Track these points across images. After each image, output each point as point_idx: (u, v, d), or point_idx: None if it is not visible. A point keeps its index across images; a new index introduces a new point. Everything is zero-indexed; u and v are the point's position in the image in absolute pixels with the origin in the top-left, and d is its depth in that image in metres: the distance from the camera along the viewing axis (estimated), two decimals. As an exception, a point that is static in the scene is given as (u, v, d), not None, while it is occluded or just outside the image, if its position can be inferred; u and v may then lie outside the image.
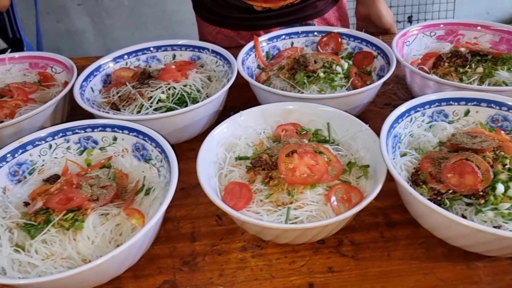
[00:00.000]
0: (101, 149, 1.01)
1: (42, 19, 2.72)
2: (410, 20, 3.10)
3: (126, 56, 1.27)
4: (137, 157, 0.99)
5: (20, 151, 0.95)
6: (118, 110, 1.13)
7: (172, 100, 1.11)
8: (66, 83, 1.22)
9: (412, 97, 1.25)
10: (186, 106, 1.12)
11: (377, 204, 0.97)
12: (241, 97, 1.30)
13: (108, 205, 0.88)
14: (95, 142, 1.00)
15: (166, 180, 0.89)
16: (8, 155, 0.93)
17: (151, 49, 1.30)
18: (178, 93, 1.12)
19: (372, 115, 1.24)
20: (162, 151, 0.92)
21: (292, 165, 0.87)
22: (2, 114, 1.13)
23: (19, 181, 0.95)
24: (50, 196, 0.85)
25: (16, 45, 2.41)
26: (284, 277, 0.85)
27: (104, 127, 0.99)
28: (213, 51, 1.27)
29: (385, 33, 1.63)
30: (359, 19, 1.72)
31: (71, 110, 1.24)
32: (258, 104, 1.14)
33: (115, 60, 1.26)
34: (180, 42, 1.30)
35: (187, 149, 1.13)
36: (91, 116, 1.07)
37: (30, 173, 0.97)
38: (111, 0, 2.81)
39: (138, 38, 3.00)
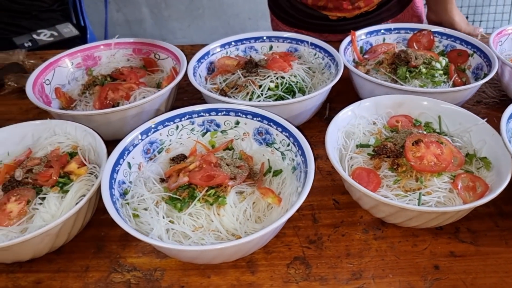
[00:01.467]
0: (222, 132, 1.06)
1: (102, 9, 2.79)
2: (465, 22, 3.12)
3: (233, 43, 1.33)
4: (258, 141, 1.04)
5: (153, 130, 1.01)
6: (228, 96, 1.18)
7: (281, 89, 1.16)
8: (175, 69, 1.27)
9: (503, 96, 1.30)
10: (294, 95, 1.17)
11: (488, 195, 1.01)
12: (332, 89, 1.35)
13: (241, 184, 0.93)
14: (217, 125, 1.06)
15: (296, 164, 0.95)
16: (143, 134, 0.99)
17: (265, 38, 1.37)
18: (286, 83, 1.17)
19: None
20: (290, 136, 0.97)
21: (419, 153, 0.91)
22: (118, 96, 1.19)
23: (150, 158, 1.01)
24: (193, 173, 0.91)
25: (80, 32, 2.47)
26: (409, 258, 0.90)
27: (228, 112, 1.04)
28: (312, 44, 1.31)
29: None
30: (432, 24, 1.75)
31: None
32: (352, 95, 1.23)
33: (221, 47, 1.31)
34: (286, 35, 1.35)
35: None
36: (190, 103, 1.12)
37: (159, 152, 1.03)
38: (172, -8, 2.89)
39: (194, 30, 3.06)
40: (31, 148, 1.02)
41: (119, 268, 0.90)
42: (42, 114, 1.36)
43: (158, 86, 1.29)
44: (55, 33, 2.16)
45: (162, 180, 0.97)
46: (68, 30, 2.20)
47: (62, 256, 0.92)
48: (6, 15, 2.15)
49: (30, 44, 2.07)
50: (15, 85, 1.40)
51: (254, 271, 0.88)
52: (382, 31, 1.37)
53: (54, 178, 0.91)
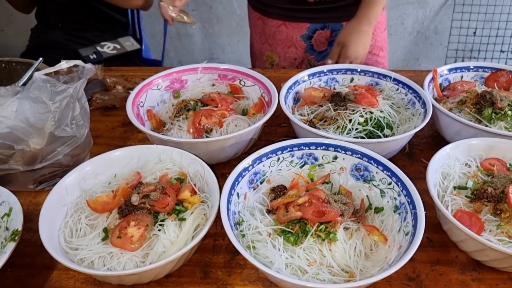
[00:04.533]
0: (319, 165, 1.10)
1: (155, 21, 2.86)
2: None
3: (322, 74, 1.38)
4: (355, 177, 1.08)
5: (258, 161, 1.05)
6: (317, 128, 1.22)
7: (371, 124, 1.20)
8: (261, 99, 1.32)
9: None
10: (382, 130, 1.21)
11: None
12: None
13: (346, 221, 0.97)
14: (315, 159, 1.10)
15: (399, 203, 0.98)
16: (249, 165, 1.04)
17: (359, 70, 1.43)
18: (375, 118, 1.21)
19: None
20: (393, 176, 1.01)
21: (523, 200, 0.95)
22: (212, 122, 1.23)
23: (254, 188, 1.06)
24: (304, 207, 0.95)
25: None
26: (508, 302, 0.93)
27: (327, 146, 1.08)
28: (395, 79, 1.35)
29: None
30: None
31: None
32: (428, 131, 1.33)
33: (309, 76, 1.36)
34: (372, 69, 1.39)
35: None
36: (270, 129, 1.24)
37: (261, 182, 1.07)
38: (224, 8, 2.94)
39: (242, 46, 3.13)
40: (140, 173, 1.06)
41: (228, 295, 0.94)
42: (127, 132, 1.42)
43: (244, 113, 1.33)
44: (118, 46, 2.22)
45: (268, 212, 1.01)
46: (129, 43, 2.26)
47: (171, 280, 0.97)
48: (73, 27, 2.22)
49: (95, 56, 2.13)
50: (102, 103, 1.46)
51: (358, 305, 0.92)
52: (472, 67, 1.41)
53: (171, 205, 0.96)
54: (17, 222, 0.95)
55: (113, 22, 2.34)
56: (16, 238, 0.91)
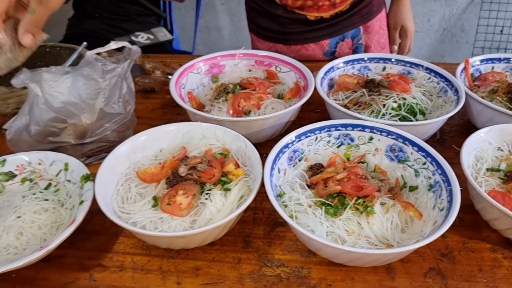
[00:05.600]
0: (355, 146, 1.15)
1: (185, 14, 2.93)
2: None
3: (356, 62, 1.42)
4: (389, 157, 1.13)
5: (297, 140, 1.10)
6: (351, 112, 1.27)
7: (404, 109, 1.24)
8: (297, 84, 1.37)
9: None
10: (415, 116, 1.25)
11: None
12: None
13: (382, 197, 1.02)
14: (351, 140, 1.14)
15: (433, 181, 1.02)
16: (289, 143, 1.09)
17: (393, 60, 1.47)
18: (408, 104, 1.25)
19: None
20: (428, 156, 1.05)
21: (555, 182, 0.98)
22: (250, 105, 1.29)
23: (293, 165, 1.11)
24: (342, 182, 1.00)
25: (168, 36, 2.58)
26: (539, 279, 0.96)
27: (363, 128, 1.13)
28: (427, 68, 1.39)
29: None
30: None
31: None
32: (457, 119, 1.37)
33: (344, 63, 1.41)
34: (405, 58, 1.44)
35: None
36: (304, 115, 1.28)
37: (299, 160, 1.12)
38: (253, 2, 3.02)
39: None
40: (185, 147, 1.12)
41: (269, 263, 0.99)
42: (167, 114, 1.48)
43: (279, 97, 1.39)
44: (151, 36, 2.29)
45: (307, 187, 1.06)
46: (162, 34, 2.32)
47: (215, 248, 1.02)
48: (109, 18, 2.30)
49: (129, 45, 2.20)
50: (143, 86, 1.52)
51: (393, 277, 0.96)
52: (503, 58, 1.44)
53: (217, 176, 1.02)
54: (80, 169, 1.05)
55: (148, 13, 2.42)
56: (91, 178, 1.01)
